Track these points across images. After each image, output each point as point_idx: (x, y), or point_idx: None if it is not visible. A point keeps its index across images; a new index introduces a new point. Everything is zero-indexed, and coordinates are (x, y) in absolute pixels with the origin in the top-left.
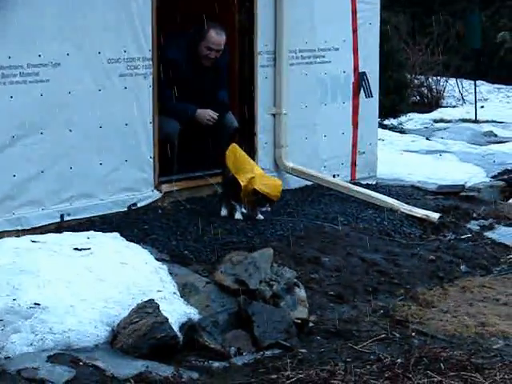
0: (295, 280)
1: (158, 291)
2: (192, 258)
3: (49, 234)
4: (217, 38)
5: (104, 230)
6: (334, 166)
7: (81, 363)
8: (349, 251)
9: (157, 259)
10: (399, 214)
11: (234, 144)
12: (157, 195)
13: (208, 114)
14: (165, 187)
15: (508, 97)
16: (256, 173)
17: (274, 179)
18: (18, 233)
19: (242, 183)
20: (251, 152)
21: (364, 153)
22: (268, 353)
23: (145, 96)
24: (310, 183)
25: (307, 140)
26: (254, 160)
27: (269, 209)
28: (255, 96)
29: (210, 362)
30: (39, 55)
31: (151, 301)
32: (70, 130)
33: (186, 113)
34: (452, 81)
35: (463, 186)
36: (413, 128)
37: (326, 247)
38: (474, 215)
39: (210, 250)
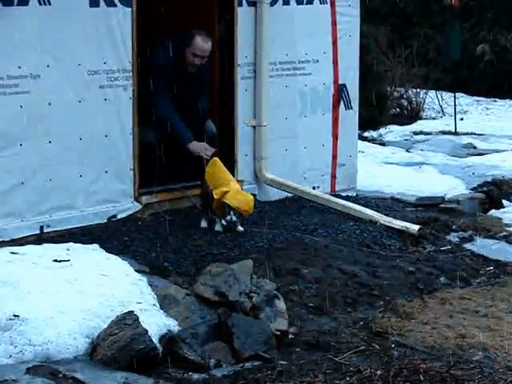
0: (275, 292)
1: (138, 303)
2: (172, 270)
3: (28, 246)
4: (203, 44)
5: (84, 242)
6: (313, 177)
7: (60, 375)
8: (328, 263)
9: (136, 271)
10: (379, 225)
11: (215, 158)
12: (137, 207)
13: (204, 149)
14: (145, 199)
15: (487, 109)
16: (232, 188)
17: (246, 194)
18: None
19: (215, 196)
20: (231, 164)
21: (344, 165)
22: (248, 364)
23: (125, 107)
24: (290, 195)
25: (287, 152)
26: (233, 172)
27: (234, 218)
28: (235, 108)
29: (190, 373)
30: (19, 67)
31: (131, 312)
32: (50, 142)
33: (182, 138)
34: (432, 93)
35: (443, 197)
36: (393, 140)
37: (306, 259)
38: (454, 227)
39: (189, 262)
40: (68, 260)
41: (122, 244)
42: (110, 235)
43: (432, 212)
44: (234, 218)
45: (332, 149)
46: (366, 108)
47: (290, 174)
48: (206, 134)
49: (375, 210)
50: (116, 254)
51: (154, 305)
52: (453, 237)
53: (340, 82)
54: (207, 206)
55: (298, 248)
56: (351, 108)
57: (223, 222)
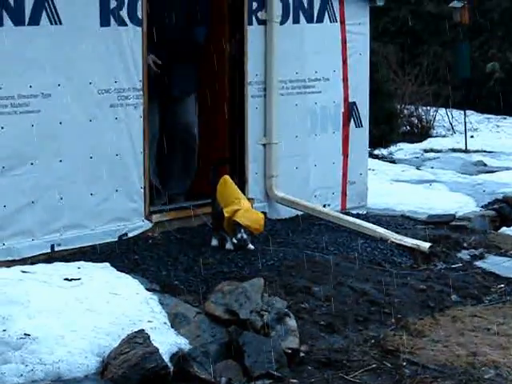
0: (286, 310)
1: (149, 321)
2: (182, 289)
3: (39, 265)
4: None
5: (94, 261)
6: (324, 195)
7: None
8: (339, 281)
9: (147, 289)
10: (389, 243)
11: (226, 176)
12: (147, 225)
13: (152, 61)
14: (155, 217)
15: (498, 126)
16: (242, 206)
17: (257, 213)
18: (9, 263)
19: (226, 214)
20: (241, 182)
21: (354, 182)
22: (259, 383)
23: (135, 126)
24: (300, 213)
25: (298, 170)
26: (244, 190)
27: (244, 236)
28: (246, 126)
29: None
30: (30, 86)
31: (141, 331)
32: (61, 161)
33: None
34: (442, 111)
35: (453, 215)
36: (403, 158)
37: (317, 277)
38: (465, 245)
39: (200, 280)
40: (79, 279)
41: (132, 262)
42: (120, 254)
43: (443, 230)
44: (245, 236)
45: (342, 166)
46: (376, 126)
47: (300, 191)
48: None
49: (386, 228)
50: (127, 273)
51: (165, 323)
52: (464, 254)
53: (350, 100)
54: (218, 224)
55: (308, 266)
56: (361, 126)
57: (234, 240)
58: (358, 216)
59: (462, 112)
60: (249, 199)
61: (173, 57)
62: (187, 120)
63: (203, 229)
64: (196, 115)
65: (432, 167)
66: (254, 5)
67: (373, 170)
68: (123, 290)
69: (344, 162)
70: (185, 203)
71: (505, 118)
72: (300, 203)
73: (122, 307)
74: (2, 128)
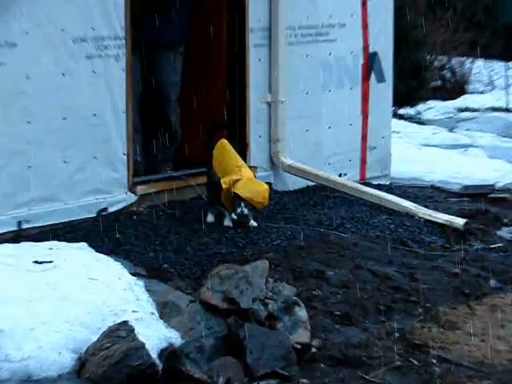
0: (295, 298)
1: (133, 311)
2: (173, 273)
3: (4, 245)
4: None
5: (69, 240)
6: (340, 163)
7: None
8: (358, 263)
9: (132, 274)
10: (417, 219)
11: (223, 140)
12: (131, 198)
13: None
14: (141, 189)
15: None
16: (243, 176)
17: (260, 183)
18: None
19: (223, 185)
20: (242, 147)
21: (375, 148)
22: (263, 383)
23: (117, 81)
24: (311, 184)
25: (308, 133)
26: (245, 156)
27: (245, 211)
28: (247, 81)
29: None
30: None
31: (125, 323)
32: (29, 122)
33: None
34: (479, 62)
35: (493, 186)
36: (433, 118)
37: (331, 259)
38: (506, 221)
39: (194, 263)
40: (51, 261)
41: (114, 242)
42: (99, 232)
43: (480, 203)
44: (246, 211)
45: (361, 129)
46: (401, 80)
47: (311, 158)
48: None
49: (413, 201)
50: (107, 254)
51: (153, 314)
52: (504, 232)
53: (371, 50)
54: (214, 196)
55: (321, 246)
56: (384, 80)
57: (233, 215)
58: (379, 187)
59: (504, 64)
60: (250, 167)
61: (159, 1)
62: (167, 80)
63: (197, 202)
64: (179, 74)
65: (467, 129)
66: None
67: (397, 132)
68: (103, 274)
69: (363, 124)
70: (175, 172)
71: None
72: (311, 172)
73: (102, 295)
74: None
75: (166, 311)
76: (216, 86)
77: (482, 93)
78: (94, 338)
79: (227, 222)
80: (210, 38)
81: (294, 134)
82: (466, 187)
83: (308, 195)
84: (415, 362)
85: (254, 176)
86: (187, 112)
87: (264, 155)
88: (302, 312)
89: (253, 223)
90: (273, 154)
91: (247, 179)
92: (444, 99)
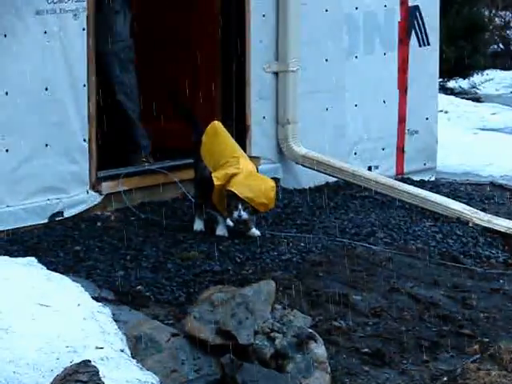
0: (310, 330)
1: (97, 348)
2: (149, 297)
3: None
4: None
5: (12, 253)
6: (369, 152)
7: None
8: (393, 285)
9: (95, 298)
10: (472, 227)
11: (216, 122)
12: (95, 199)
13: None
14: (107, 186)
15: None
16: (242, 170)
17: (264, 180)
18: None
19: (216, 181)
20: (241, 131)
21: (417, 132)
22: None
23: (75, 45)
24: (332, 180)
25: (328, 112)
26: (244, 143)
27: (244, 215)
28: (246, 44)
29: None
30: None
31: (86, 363)
32: None
33: None
34: None
35: None
36: (493, 93)
37: (358, 279)
38: None
39: (177, 285)
40: None
41: (72, 257)
42: (53, 243)
43: None
44: (246, 216)
45: (398, 107)
46: (451, 43)
47: (332, 146)
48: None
49: (466, 203)
50: (63, 273)
51: (123, 351)
52: None
53: (410, 3)
54: (204, 196)
55: (345, 262)
56: (428, 44)
57: (229, 221)
58: (422, 184)
59: None
60: (252, 158)
61: None
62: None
63: (181, 204)
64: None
65: None
66: None
67: (446, 112)
68: (57, 299)
69: (401, 101)
70: (153, 164)
71: None
72: (332, 164)
73: (56, 326)
74: None
75: (139, 347)
76: (207, 51)
77: None
78: (46, 383)
79: (221, 231)
80: None
81: (309, 113)
82: None
83: (328, 195)
84: None
85: (257, 170)
86: (166, 85)
87: (269, 142)
88: (319, 349)
89: (254, 232)
90: (281, 141)
91: (247, 174)
92: (506, 68)
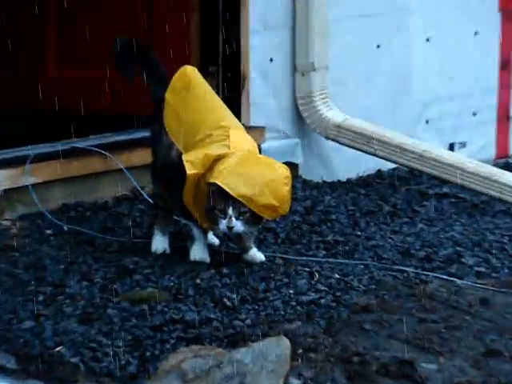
0: None
1: None
2: (77, 365)
3: None
4: None
5: None
6: (451, 120)
7: None
8: (491, 345)
9: None
10: None
11: (188, 67)
12: None
13: None
14: (4, 178)
15: None
16: (234, 146)
17: (271, 166)
18: None
19: (188, 169)
20: (232, 85)
21: None
22: None
23: None
24: (387, 166)
25: (381, 52)
26: (238, 106)
27: (237, 226)
28: None
29: None
30: None
31: None
32: None
33: None
34: None
35: None
36: None
37: (431, 335)
38: None
39: (124, 344)
40: None
41: None
42: None
43: None
44: (240, 227)
45: (501, 43)
46: None
47: (388, 110)
48: None
49: None
50: None
51: None
52: None
53: None
54: (169, 195)
55: (409, 306)
56: None
57: (212, 236)
58: None
59: None
60: (251, 129)
61: None
62: None
63: (130, 208)
64: None
65: None
66: None
67: None
68: None
69: (506, 30)
70: (79, 141)
71: None
72: (387, 140)
73: None
74: None
75: None
76: None
77: None
78: None
79: (198, 253)
80: None
81: (348, 54)
82: None
83: (380, 192)
84: None
85: (259, 150)
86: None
87: (281, 102)
88: None
89: (255, 254)
90: (301, 101)
91: (242, 157)
92: None
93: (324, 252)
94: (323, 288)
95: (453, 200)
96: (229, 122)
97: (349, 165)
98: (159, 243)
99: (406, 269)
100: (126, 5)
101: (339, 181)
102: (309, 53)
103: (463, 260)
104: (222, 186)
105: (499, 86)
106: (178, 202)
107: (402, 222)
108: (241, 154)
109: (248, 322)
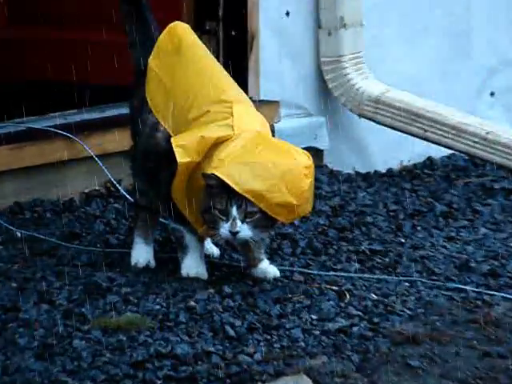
0: None
1: None
2: None
3: None
4: None
5: None
6: None
7: None
8: None
9: None
10: None
11: (178, 23)
12: None
13: None
14: None
15: None
16: (238, 126)
17: (288, 153)
18: None
19: (179, 157)
20: (235, 47)
21: None
22: None
23: None
24: (440, 152)
25: (430, 2)
26: (243, 74)
27: (243, 231)
28: None
29: None
30: None
31: None
32: None
33: None
34: None
35: None
36: None
37: (498, 372)
38: None
39: None
40: None
41: None
42: None
43: None
44: (248, 232)
45: None
46: None
47: (441, 80)
48: None
49: None
50: None
51: None
52: None
53: None
54: (155, 190)
55: (469, 336)
56: None
57: (210, 244)
58: None
59: None
60: (261, 104)
61: None
62: None
63: (103, 208)
64: None
65: None
66: None
67: None
68: None
69: None
70: (36, 120)
71: None
72: (440, 119)
73: None
74: None
75: None
76: None
77: None
78: None
79: (191, 267)
80: None
81: (388, 5)
82: None
83: (430, 186)
84: None
85: (272, 132)
86: None
87: (301, 70)
88: None
89: (267, 268)
90: (327, 67)
91: (250, 140)
92: None
93: (357, 265)
94: (356, 312)
95: None
96: (232, 95)
97: (389, 151)
98: (141, 254)
99: (465, 287)
100: None
101: (376, 172)
102: (337, 4)
103: None
104: (224, 178)
105: None
106: (166, 199)
107: (460, 226)
108: (248, 137)
109: (257, 356)
